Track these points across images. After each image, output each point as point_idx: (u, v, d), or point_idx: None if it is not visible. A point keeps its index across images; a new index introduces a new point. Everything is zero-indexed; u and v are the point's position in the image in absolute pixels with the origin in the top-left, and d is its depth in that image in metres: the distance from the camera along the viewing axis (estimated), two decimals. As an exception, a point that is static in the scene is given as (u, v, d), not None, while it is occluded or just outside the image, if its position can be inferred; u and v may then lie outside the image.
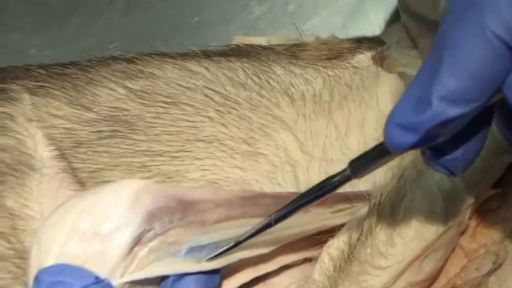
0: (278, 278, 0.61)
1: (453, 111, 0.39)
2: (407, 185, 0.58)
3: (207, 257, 0.54)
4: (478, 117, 0.41)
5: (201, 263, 0.54)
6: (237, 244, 0.54)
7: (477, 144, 0.45)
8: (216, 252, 0.54)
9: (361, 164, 0.48)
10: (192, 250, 0.54)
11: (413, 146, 0.41)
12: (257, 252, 0.57)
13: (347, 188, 0.62)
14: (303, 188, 0.57)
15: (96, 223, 0.52)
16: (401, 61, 0.71)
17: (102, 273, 0.51)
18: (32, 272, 0.51)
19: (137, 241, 0.52)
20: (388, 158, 0.47)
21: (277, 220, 0.53)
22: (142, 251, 0.53)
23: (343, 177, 0.49)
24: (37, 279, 0.50)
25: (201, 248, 0.55)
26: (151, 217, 0.53)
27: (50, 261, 0.51)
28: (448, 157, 0.44)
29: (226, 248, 0.54)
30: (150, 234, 0.53)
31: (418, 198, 0.57)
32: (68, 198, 0.55)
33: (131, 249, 0.52)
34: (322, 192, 0.51)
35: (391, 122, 0.41)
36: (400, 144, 0.41)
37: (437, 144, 0.43)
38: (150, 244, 0.53)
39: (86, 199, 0.53)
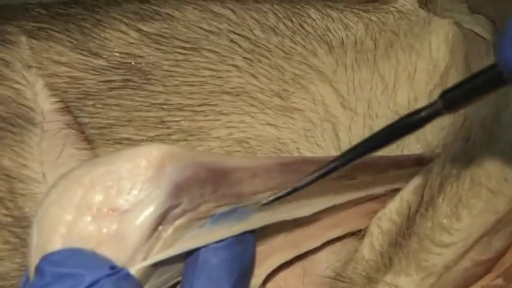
0: (319, 254, 0.50)
1: None
2: (475, 148, 0.46)
3: (261, 203, 0.44)
4: None
5: (232, 227, 0.43)
6: (295, 190, 0.44)
7: None
8: (272, 197, 0.44)
9: (458, 96, 0.36)
10: (220, 217, 0.43)
11: None
12: (296, 215, 0.46)
13: (396, 150, 0.51)
14: (345, 148, 0.44)
15: (111, 198, 0.40)
16: (446, 6, 0.59)
17: (121, 258, 0.39)
18: (34, 261, 0.39)
19: (162, 219, 0.40)
20: (494, 88, 0.35)
21: (344, 163, 0.42)
22: (167, 232, 0.40)
23: (432, 111, 0.37)
24: (39, 269, 0.38)
25: (231, 212, 0.43)
26: (179, 190, 0.41)
27: (56, 244, 0.39)
28: None
29: (283, 193, 0.44)
30: (178, 210, 0.41)
31: (488, 163, 0.45)
32: (72, 168, 0.42)
33: (155, 229, 0.40)
34: (404, 129, 0.39)
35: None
36: None
37: None
38: (177, 222, 0.41)
39: (97, 168, 0.41)
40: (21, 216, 0.51)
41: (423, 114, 0.37)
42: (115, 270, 0.38)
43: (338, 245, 0.50)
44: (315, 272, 0.49)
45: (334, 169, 0.42)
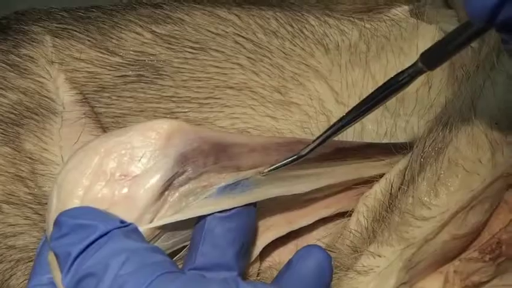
0: (313, 232, 0.55)
1: None
2: (453, 133, 0.50)
3: (263, 172, 0.48)
4: None
5: (236, 198, 0.47)
6: (299, 158, 0.48)
7: None
8: (276, 165, 0.48)
9: (436, 53, 0.41)
10: (225, 188, 0.47)
11: (497, 7, 0.35)
12: (294, 191, 0.50)
13: (385, 139, 0.56)
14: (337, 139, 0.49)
15: (124, 165, 0.45)
16: (435, 18, 0.63)
17: (130, 218, 0.44)
18: (52, 217, 0.43)
19: (168, 185, 0.45)
20: (466, 40, 0.40)
21: (341, 127, 0.47)
22: (173, 196, 0.45)
23: (414, 71, 0.43)
24: (58, 222, 0.43)
25: (235, 184, 0.47)
26: (184, 159, 0.46)
27: (73, 204, 0.43)
28: None
29: (287, 161, 0.48)
30: (182, 177, 0.46)
31: (464, 146, 0.50)
32: (89, 140, 0.48)
33: (161, 194, 0.45)
34: (390, 90, 0.44)
35: None
36: (482, 6, 0.35)
37: None
38: (182, 189, 0.46)
39: (112, 139, 0.46)
40: (40, 194, 0.55)
41: (406, 75, 0.43)
42: (125, 224, 0.42)
43: (330, 224, 0.54)
44: (306, 246, 0.53)
45: (334, 134, 0.47)
